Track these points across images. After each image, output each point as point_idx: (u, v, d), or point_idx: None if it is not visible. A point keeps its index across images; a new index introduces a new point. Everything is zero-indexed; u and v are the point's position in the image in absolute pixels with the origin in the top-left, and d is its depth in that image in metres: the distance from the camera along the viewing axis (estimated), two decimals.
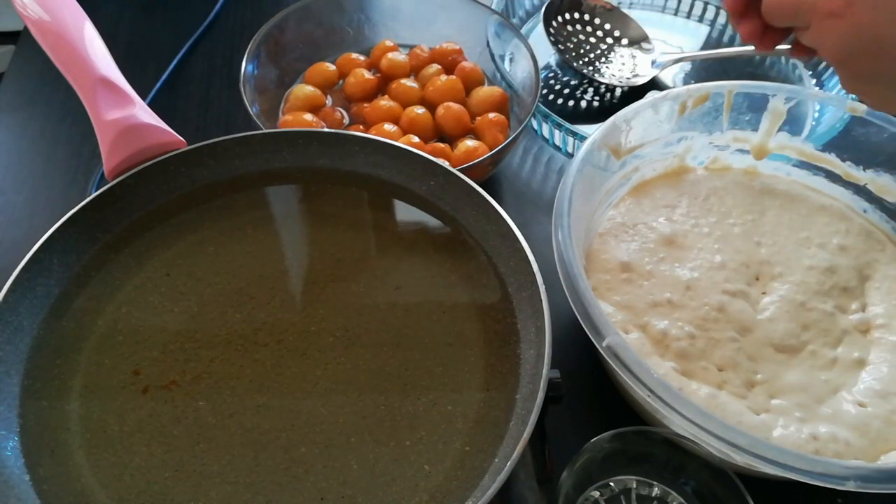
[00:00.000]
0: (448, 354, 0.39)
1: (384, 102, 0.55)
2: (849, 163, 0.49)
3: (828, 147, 0.50)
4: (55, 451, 0.35)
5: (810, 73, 0.66)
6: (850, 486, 0.32)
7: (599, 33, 0.67)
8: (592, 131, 0.46)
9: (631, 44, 0.67)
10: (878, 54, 0.34)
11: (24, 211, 0.54)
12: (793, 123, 0.50)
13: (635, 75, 0.65)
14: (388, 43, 0.60)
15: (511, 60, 0.58)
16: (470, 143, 0.52)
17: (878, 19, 0.33)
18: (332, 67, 0.59)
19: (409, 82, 0.57)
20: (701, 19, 0.72)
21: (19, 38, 0.68)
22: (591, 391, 0.46)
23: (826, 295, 0.45)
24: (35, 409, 0.36)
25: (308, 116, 0.54)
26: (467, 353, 0.39)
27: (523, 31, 0.66)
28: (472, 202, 0.43)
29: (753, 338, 0.43)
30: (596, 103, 0.64)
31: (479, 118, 0.55)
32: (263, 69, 0.56)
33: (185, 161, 0.44)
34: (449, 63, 0.59)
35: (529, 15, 0.69)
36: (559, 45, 0.64)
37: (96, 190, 0.42)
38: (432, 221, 0.45)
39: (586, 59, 0.65)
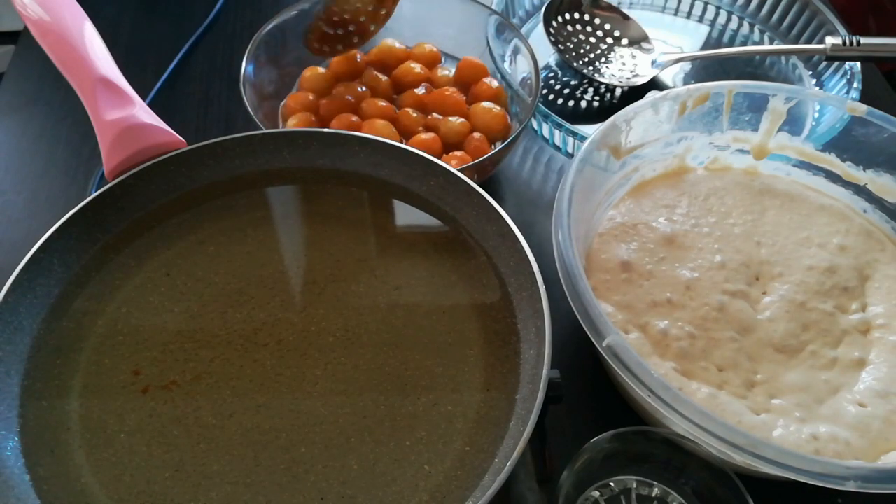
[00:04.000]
0: (448, 354, 0.39)
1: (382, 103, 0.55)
2: (849, 163, 0.49)
3: (828, 147, 0.50)
4: (55, 451, 0.35)
5: (810, 73, 0.66)
6: (850, 486, 0.32)
7: (599, 33, 0.67)
8: (592, 131, 0.46)
9: (631, 44, 0.67)
10: None
11: (24, 211, 0.54)
12: (793, 123, 0.50)
13: (635, 75, 0.65)
14: (392, 43, 0.60)
15: (511, 60, 0.58)
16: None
17: None
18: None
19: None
20: (701, 19, 0.72)
21: (19, 38, 0.68)
22: (591, 391, 0.46)
23: (826, 295, 0.45)
24: (35, 409, 0.36)
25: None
26: (467, 353, 0.39)
27: (523, 31, 0.66)
28: (472, 202, 0.43)
29: (753, 338, 0.43)
30: (596, 103, 0.64)
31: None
32: (263, 69, 0.56)
33: (185, 161, 0.44)
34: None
35: (529, 15, 0.69)
36: (559, 45, 0.64)
37: (96, 190, 0.42)
38: (432, 221, 0.45)
39: (586, 59, 0.65)
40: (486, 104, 0.55)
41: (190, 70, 0.65)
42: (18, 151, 0.59)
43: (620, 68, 0.65)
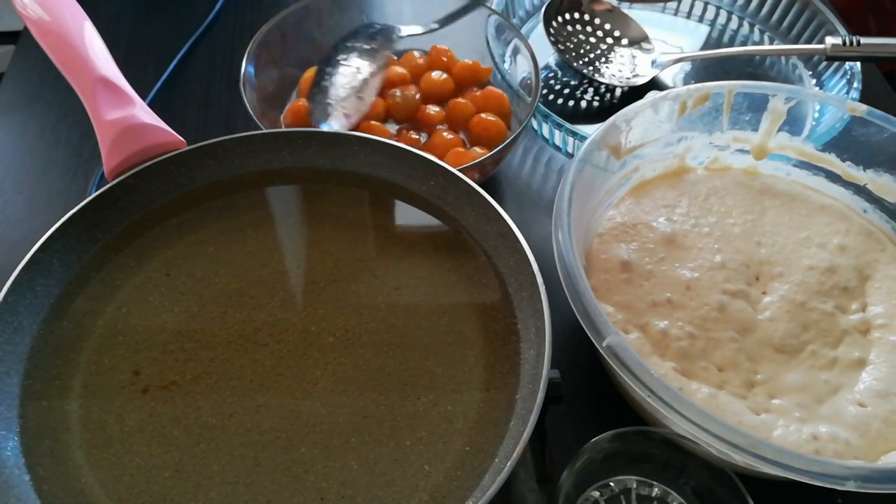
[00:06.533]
0: (448, 354, 0.39)
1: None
2: (849, 163, 0.49)
3: (828, 147, 0.50)
4: (55, 451, 0.35)
5: (810, 73, 0.66)
6: (850, 486, 0.32)
7: (599, 33, 0.67)
8: (592, 131, 0.46)
9: (631, 44, 0.67)
10: None
11: (24, 211, 0.54)
12: (793, 123, 0.50)
13: (635, 75, 0.65)
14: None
15: (511, 60, 0.58)
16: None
17: None
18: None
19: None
20: (701, 19, 0.72)
21: (19, 38, 0.68)
22: (591, 391, 0.46)
23: (826, 295, 0.45)
24: (35, 409, 0.36)
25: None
26: (467, 353, 0.39)
27: (523, 31, 0.66)
28: (472, 202, 0.43)
29: (753, 338, 0.43)
30: (596, 103, 0.64)
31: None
32: (263, 69, 0.56)
33: (185, 161, 0.44)
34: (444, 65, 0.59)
35: (529, 15, 0.69)
36: (559, 45, 0.64)
37: (96, 190, 0.42)
38: (432, 221, 0.45)
39: (586, 59, 0.65)
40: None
41: (190, 70, 0.65)
42: (18, 151, 0.59)
43: (620, 68, 0.65)
